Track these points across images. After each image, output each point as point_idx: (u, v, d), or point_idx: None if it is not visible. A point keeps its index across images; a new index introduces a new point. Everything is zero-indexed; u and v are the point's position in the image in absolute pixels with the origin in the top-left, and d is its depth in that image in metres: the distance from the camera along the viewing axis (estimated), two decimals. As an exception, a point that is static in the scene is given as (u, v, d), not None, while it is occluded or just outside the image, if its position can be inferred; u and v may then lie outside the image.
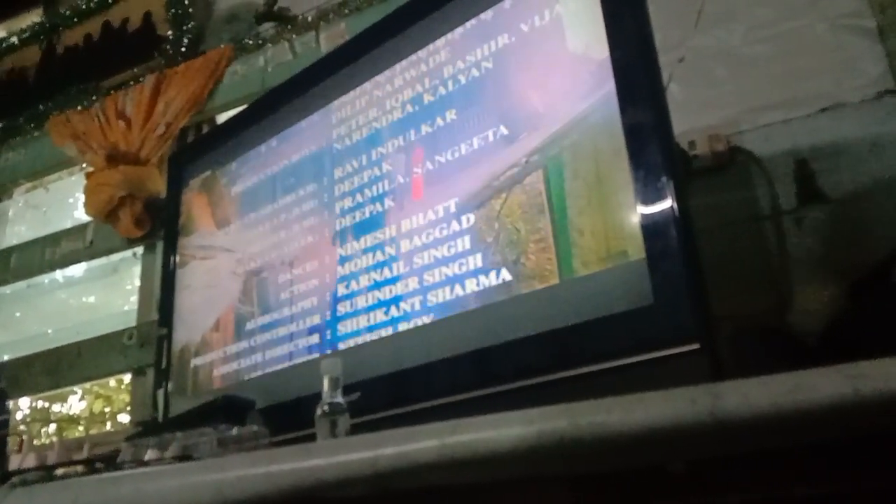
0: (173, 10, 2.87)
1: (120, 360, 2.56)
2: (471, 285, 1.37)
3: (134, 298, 2.77)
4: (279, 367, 1.70)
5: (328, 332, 1.61)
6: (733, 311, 1.41)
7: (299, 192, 1.82)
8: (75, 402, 4.55)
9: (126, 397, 3.84)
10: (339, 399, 1.09)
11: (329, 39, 2.50)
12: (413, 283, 1.47)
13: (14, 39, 3.34)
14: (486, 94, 1.48)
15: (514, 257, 1.33)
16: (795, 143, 1.67)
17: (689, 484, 0.77)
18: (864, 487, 0.73)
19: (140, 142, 2.66)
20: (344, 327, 1.57)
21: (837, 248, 1.56)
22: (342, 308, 1.59)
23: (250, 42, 2.68)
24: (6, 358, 2.97)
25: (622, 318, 1.15)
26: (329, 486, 0.81)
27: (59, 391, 3.55)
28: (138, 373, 2.54)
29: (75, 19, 3.18)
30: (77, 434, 4.37)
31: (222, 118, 2.69)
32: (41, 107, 3.06)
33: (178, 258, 2.10)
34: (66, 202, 3.38)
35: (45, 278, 3.11)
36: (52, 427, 4.47)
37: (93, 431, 4.28)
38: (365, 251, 1.59)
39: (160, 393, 1.97)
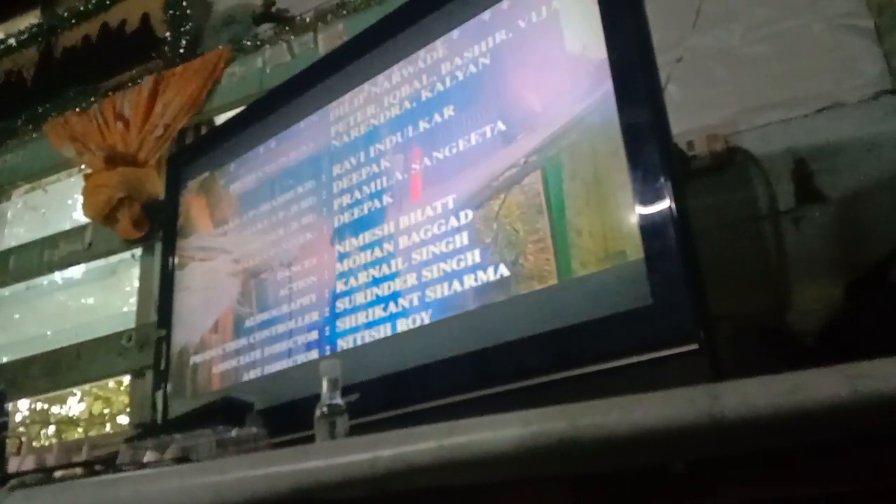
0: (171, 12, 2.87)
1: (119, 362, 2.56)
2: (469, 281, 1.38)
3: (133, 300, 2.77)
4: (278, 364, 1.70)
5: (327, 328, 1.61)
6: (732, 311, 1.41)
7: (298, 190, 1.82)
8: (74, 404, 4.55)
9: (125, 399, 3.84)
10: (338, 400, 1.09)
11: (327, 40, 2.49)
12: (411, 280, 1.47)
13: (12, 41, 3.34)
14: (483, 90, 1.48)
15: (513, 258, 1.33)
16: (794, 142, 1.67)
17: (689, 484, 0.77)
18: (864, 487, 0.73)
19: (138, 143, 2.66)
20: (343, 324, 1.57)
21: (836, 248, 1.56)
22: (341, 305, 1.59)
23: (248, 43, 2.68)
24: (5, 360, 2.97)
25: (621, 318, 1.15)
26: (328, 488, 0.81)
27: (58, 393, 3.55)
28: (137, 374, 2.54)
29: (73, 21, 3.18)
30: (76, 436, 4.36)
31: (221, 119, 2.69)
32: (39, 108, 3.06)
33: (176, 260, 2.10)
34: (65, 204, 3.38)
35: (43, 280, 3.10)
36: (52, 429, 4.46)
37: (92, 433, 4.27)
38: (363, 248, 1.59)
39: (159, 395, 1.97)
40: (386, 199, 1.59)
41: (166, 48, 2.84)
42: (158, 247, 2.47)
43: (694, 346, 1.06)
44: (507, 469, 0.77)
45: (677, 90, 1.81)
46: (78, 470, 1.20)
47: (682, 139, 1.67)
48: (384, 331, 1.48)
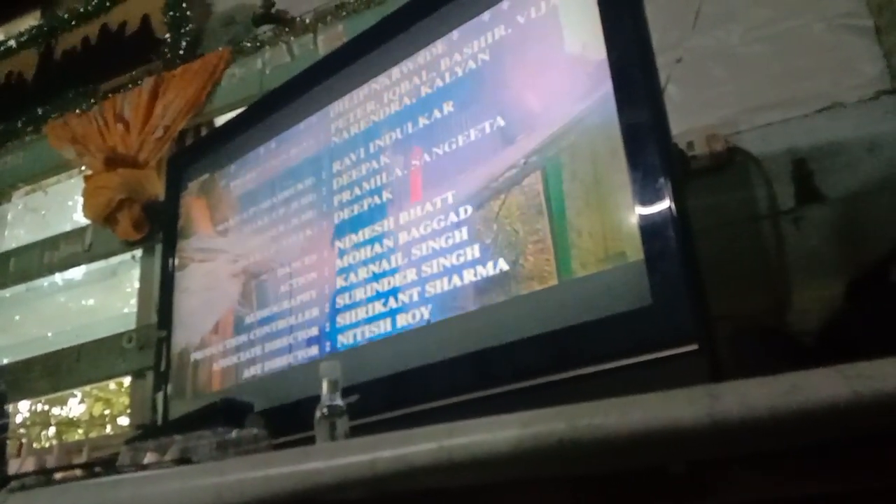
0: (171, 13, 2.87)
1: (119, 364, 2.56)
2: (469, 276, 1.38)
3: (133, 301, 2.77)
4: (279, 360, 1.70)
5: (327, 324, 1.61)
6: (732, 312, 1.41)
7: (298, 187, 1.82)
8: (75, 406, 4.55)
9: (126, 400, 3.83)
10: (338, 401, 1.09)
11: (327, 42, 2.50)
12: (411, 275, 1.47)
13: (12, 43, 3.34)
14: (483, 85, 1.49)
15: (513, 258, 1.33)
16: (793, 143, 1.67)
17: (688, 485, 0.77)
18: (864, 488, 0.73)
19: (138, 145, 2.66)
20: (343, 319, 1.58)
21: (836, 248, 1.56)
22: (341, 300, 1.60)
23: (248, 45, 2.68)
24: (6, 361, 2.97)
25: (621, 318, 1.15)
26: (327, 489, 0.81)
27: (58, 394, 3.55)
28: (138, 376, 2.54)
29: (73, 22, 3.18)
30: (77, 437, 4.36)
31: (221, 121, 2.69)
32: (39, 110, 3.07)
33: (176, 261, 2.10)
34: (65, 205, 3.38)
35: (44, 281, 3.11)
36: (52, 430, 4.46)
37: (92, 435, 4.27)
38: (363, 244, 1.60)
39: (159, 396, 1.97)
40: (386, 195, 1.59)
41: (166, 50, 2.84)
42: (159, 248, 2.47)
43: (694, 347, 1.06)
44: (506, 470, 0.77)
45: (677, 90, 1.81)
46: (78, 472, 1.20)
47: (682, 139, 1.67)
48: (384, 326, 1.49)
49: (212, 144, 2.23)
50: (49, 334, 3.21)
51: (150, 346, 2.34)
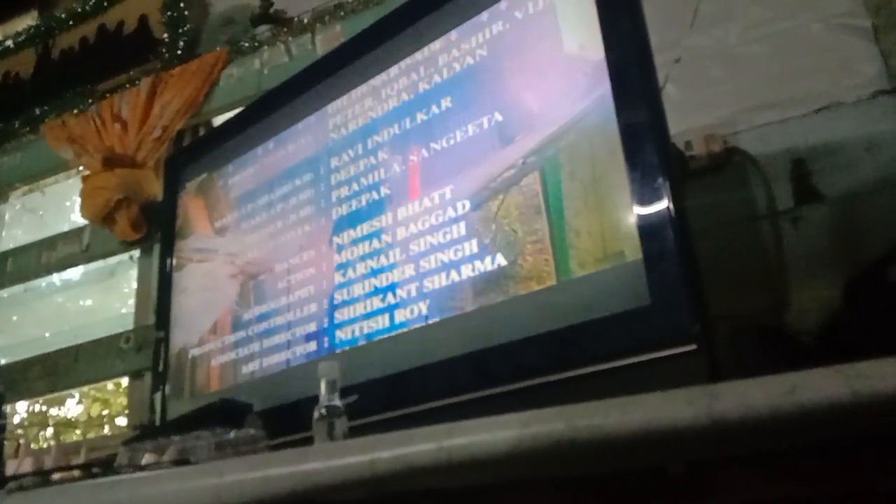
0: (169, 13, 2.86)
1: (117, 364, 2.55)
2: (466, 271, 1.38)
3: (131, 301, 2.77)
4: (277, 357, 1.70)
5: (325, 319, 1.61)
6: (730, 311, 1.41)
7: (296, 182, 1.83)
8: (73, 406, 4.54)
9: (124, 401, 3.83)
10: (337, 402, 1.09)
11: (325, 41, 2.49)
12: (409, 270, 1.47)
13: (9, 43, 3.34)
14: (480, 81, 1.49)
15: (512, 259, 1.33)
16: (792, 142, 1.67)
17: (687, 485, 0.77)
18: (863, 488, 0.73)
19: (136, 145, 2.66)
20: (341, 315, 1.58)
21: (834, 248, 1.56)
22: (339, 296, 1.60)
23: (246, 45, 2.68)
24: (3, 362, 2.96)
25: (619, 318, 1.15)
26: (326, 490, 0.81)
27: (56, 395, 3.54)
28: (136, 376, 2.54)
29: (70, 22, 3.17)
30: (75, 437, 4.36)
31: (219, 121, 2.69)
32: (37, 110, 3.06)
33: (174, 261, 2.10)
34: (63, 206, 3.38)
35: (42, 282, 3.10)
36: (50, 431, 4.45)
37: (90, 435, 4.27)
38: (362, 239, 1.60)
39: (157, 396, 1.96)
40: (384, 190, 1.60)
41: (164, 50, 2.83)
42: (157, 248, 2.46)
43: (692, 347, 1.06)
44: (506, 470, 0.77)
45: (675, 90, 1.81)
46: (76, 472, 1.20)
47: (681, 139, 1.67)
48: (382, 322, 1.49)
49: (210, 144, 2.22)
50: (47, 335, 3.20)
51: (148, 347, 2.33)
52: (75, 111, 2.93)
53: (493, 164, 1.40)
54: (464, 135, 1.47)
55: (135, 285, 2.75)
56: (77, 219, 2.90)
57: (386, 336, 1.48)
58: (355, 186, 1.66)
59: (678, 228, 1.13)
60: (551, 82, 1.38)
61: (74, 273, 3.08)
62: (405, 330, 1.45)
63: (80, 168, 2.90)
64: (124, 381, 2.98)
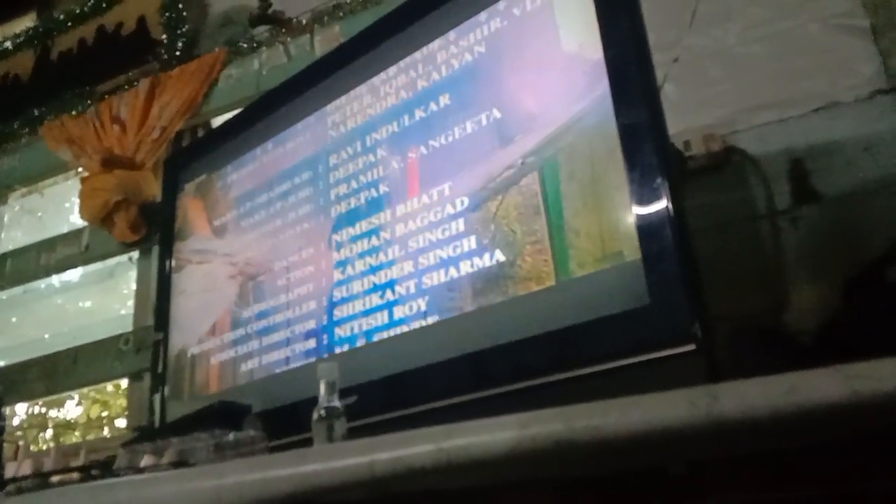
0: (167, 14, 2.86)
1: (116, 366, 2.55)
2: (465, 267, 1.38)
3: (130, 303, 2.76)
4: (276, 354, 1.70)
5: (324, 317, 1.62)
6: (729, 312, 1.41)
7: (295, 181, 1.83)
8: (72, 408, 4.54)
9: (123, 402, 3.83)
10: (336, 403, 1.09)
11: (324, 42, 2.49)
12: (408, 267, 1.47)
13: (8, 44, 3.33)
14: (479, 77, 1.49)
15: (511, 259, 1.32)
16: (790, 142, 1.67)
17: (687, 485, 0.77)
18: (863, 488, 0.73)
19: (135, 146, 2.66)
20: (340, 311, 1.58)
21: (833, 248, 1.56)
22: (338, 293, 1.60)
23: (245, 45, 2.68)
24: (2, 363, 2.96)
25: (618, 319, 1.15)
26: (326, 491, 0.81)
27: (55, 397, 3.54)
28: (135, 378, 2.53)
29: (69, 24, 3.17)
30: (74, 439, 4.35)
31: (217, 122, 2.69)
32: (35, 112, 3.05)
33: (173, 262, 2.10)
34: (62, 207, 3.37)
35: (41, 283, 3.10)
36: (49, 433, 4.45)
37: (90, 437, 4.26)
38: (361, 236, 1.60)
39: (157, 398, 1.96)
40: (382, 188, 1.60)
41: (163, 51, 2.83)
42: (156, 250, 2.46)
43: (691, 347, 1.06)
44: (505, 471, 0.77)
45: (674, 90, 1.81)
46: (74, 475, 1.19)
47: (679, 139, 1.67)
48: (381, 318, 1.49)
49: (208, 145, 2.22)
50: (46, 336, 3.20)
51: (148, 348, 2.33)
52: (74, 112, 2.92)
53: (491, 164, 1.41)
54: (462, 132, 1.47)
55: (134, 287, 2.75)
56: (76, 220, 2.90)
57: (385, 333, 1.48)
58: (354, 184, 1.66)
59: (677, 228, 1.13)
60: (550, 82, 1.38)
61: (73, 274, 3.08)
62: (404, 329, 1.45)
63: (79, 169, 2.90)
64: (124, 382, 2.98)
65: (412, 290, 1.45)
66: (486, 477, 0.78)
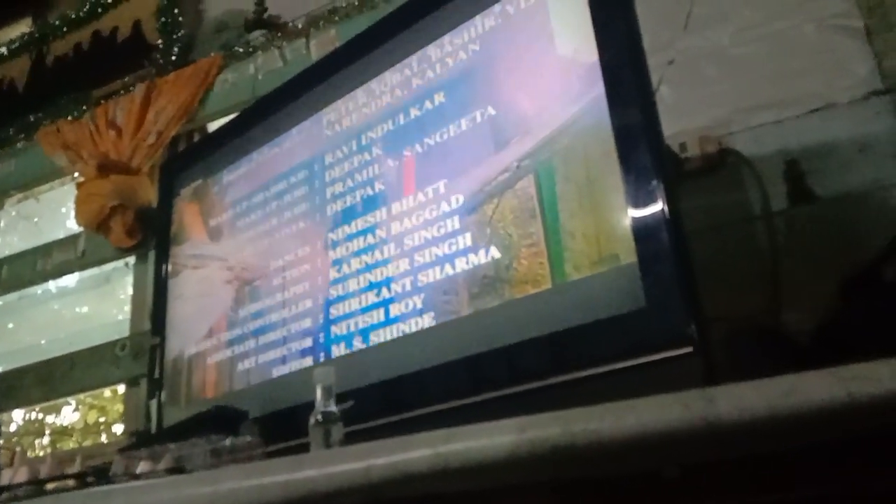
0: (163, 19, 2.86)
1: (113, 371, 2.54)
2: (461, 264, 1.38)
3: (127, 308, 2.76)
4: (273, 354, 1.69)
5: (320, 316, 1.61)
6: (726, 313, 1.41)
7: (290, 179, 1.83)
8: (69, 414, 4.52)
9: (121, 408, 3.82)
10: (333, 408, 1.09)
11: (319, 46, 2.49)
12: (404, 265, 1.48)
13: (3, 50, 3.33)
14: (474, 75, 1.49)
15: (507, 262, 1.32)
16: (786, 143, 1.67)
17: (683, 489, 0.77)
18: (859, 490, 0.73)
19: (131, 151, 2.65)
20: (336, 310, 1.58)
21: (829, 248, 1.56)
22: (334, 292, 1.60)
23: (240, 50, 2.67)
24: (-1, 370, 2.95)
25: (615, 321, 1.15)
26: (322, 498, 0.81)
27: (52, 403, 3.53)
28: (132, 383, 2.52)
29: (65, 29, 3.16)
30: (72, 445, 4.34)
31: (213, 126, 2.69)
32: (31, 117, 3.05)
33: (170, 267, 2.10)
34: (58, 212, 3.37)
35: (37, 289, 3.09)
36: (46, 439, 4.44)
37: (87, 443, 4.25)
38: (356, 235, 1.60)
39: (153, 403, 1.96)
40: (378, 186, 1.60)
41: (158, 55, 2.83)
42: (152, 255, 2.46)
43: (688, 349, 1.06)
44: (502, 476, 0.77)
45: (669, 92, 1.82)
46: (70, 482, 1.19)
47: (675, 141, 1.67)
48: (377, 316, 1.49)
49: (204, 150, 2.22)
50: (42, 342, 3.19)
51: (144, 354, 2.32)
52: (70, 118, 2.92)
53: (487, 167, 1.41)
54: (457, 129, 1.48)
55: (130, 292, 2.75)
56: (72, 226, 2.89)
57: (381, 331, 1.48)
58: (350, 182, 1.67)
59: (673, 230, 1.13)
60: (544, 85, 1.38)
61: (70, 280, 3.07)
62: (401, 326, 1.44)
63: (75, 175, 2.89)
64: (121, 388, 2.98)
65: (408, 287, 1.45)
66: (483, 481, 0.78)
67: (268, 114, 1.96)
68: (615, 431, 0.70)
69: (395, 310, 1.47)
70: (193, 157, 2.26)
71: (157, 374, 1.98)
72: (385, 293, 1.49)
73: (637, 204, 1.17)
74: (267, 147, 1.94)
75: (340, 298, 1.58)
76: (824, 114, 1.66)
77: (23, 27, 3.45)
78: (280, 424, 1.45)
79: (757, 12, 1.80)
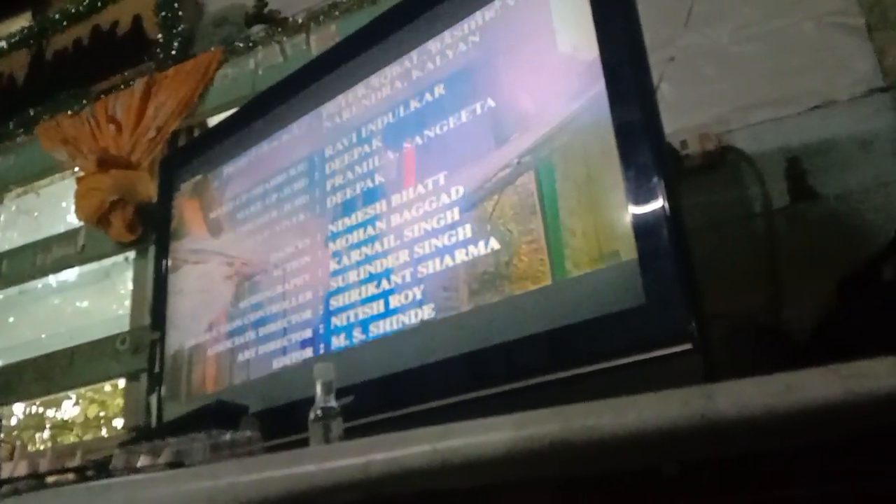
0: (163, 14, 2.85)
1: (113, 366, 2.54)
2: (461, 256, 1.38)
3: (127, 303, 2.76)
4: (273, 345, 1.70)
5: (321, 307, 1.62)
6: (726, 310, 1.41)
7: (290, 172, 1.83)
8: (69, 408, 4.53)
9: (121, 402, 3.82)
10: (332, 403, 1.09)
11: (320, 41, 2.49)
12: (404, 256, 1.48)
13: (3, 44, 3.32)
14: (474, 68, 1.49)
15: (507, 258, 1.32)
16: (786, 141, 1.67)
17: (682, 485, 0.77)
18: (858, 488, 0.73)
19: (131, 146, 2.65)
20: (336, 301, 1.58)
21: (829, 246, 1.56)
22: (334, 283, 1.60)
23: (240, 45, 2.67)
24: (-1, 364, 2.96)
25: (615, 318, 1.15)
26: (321, 492, 0.81)
27: (52, 397, 3.53)
28: (132, 378, 2.53)
29: (64, 23, 3.16)
30: (72, 439, 4.35)
31: (213, 121, 2.68)
32: (31, 112, 3.05)
33: (170, 262, 2.10)
34: (58, 207, 3.36)
35: (37, 283, 3.09)
36: (47, 433, 4.44)
37: (87, 437, 4.26)
38: (356, 227, 1.60)
39: (153, 398, 1.96)
40: (378, 178, 1.60)
41: (158, 50, 2.83)
42: (152, 250, 2.46)
43: (688, 346, 1.06)
44: (500, 472, 0.77)
45: (670, 89, 1.81)
46: (70, 476, 1.19)
47: (675, 138, 1.67)
48: (377, 307, 1.49)
49: (204, 145, 2.22)
50: (42, 336, 3.19)
51: (144, 349, 2.32)
52: (69, 112, 2.92)
53: (487, 164, 1.40)
54: (457, 122, 1.48)
55: (130, 287, 2.75)
56: (72, 220, 2.89)
57: (380, 322, 1.48)
58: (350, 175, 1.67)
59: (673, 227, 1.13)
60: (545, 82, 1.38)
61: (70, 275, 3.07)
62: (400, 317, 1.45)
63: (75, 169, 2.89)
64: (121, 382, 2.98)
65: (408, 278, 1.46)
66: (481, 477, 0.78)
67: (268, 109, 1.96)
68: (614, 428, 0.70)
69: (394, 301, 1.47)
70: (193, 151, 2.26)
71: (157, 369, 1.98)
72: (385, 284, 1.50)
73: (637, 201, 1.17)
74: (267, 141, 1.94)
75: (340, 290, 1.59)
76: (825, 111, 1.66)
77: (22, 21, 3.45)
78: (280, 419, 1.46)
79: (757, 10, 1.80)
